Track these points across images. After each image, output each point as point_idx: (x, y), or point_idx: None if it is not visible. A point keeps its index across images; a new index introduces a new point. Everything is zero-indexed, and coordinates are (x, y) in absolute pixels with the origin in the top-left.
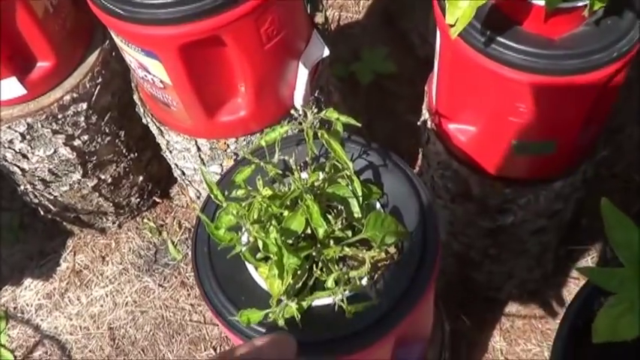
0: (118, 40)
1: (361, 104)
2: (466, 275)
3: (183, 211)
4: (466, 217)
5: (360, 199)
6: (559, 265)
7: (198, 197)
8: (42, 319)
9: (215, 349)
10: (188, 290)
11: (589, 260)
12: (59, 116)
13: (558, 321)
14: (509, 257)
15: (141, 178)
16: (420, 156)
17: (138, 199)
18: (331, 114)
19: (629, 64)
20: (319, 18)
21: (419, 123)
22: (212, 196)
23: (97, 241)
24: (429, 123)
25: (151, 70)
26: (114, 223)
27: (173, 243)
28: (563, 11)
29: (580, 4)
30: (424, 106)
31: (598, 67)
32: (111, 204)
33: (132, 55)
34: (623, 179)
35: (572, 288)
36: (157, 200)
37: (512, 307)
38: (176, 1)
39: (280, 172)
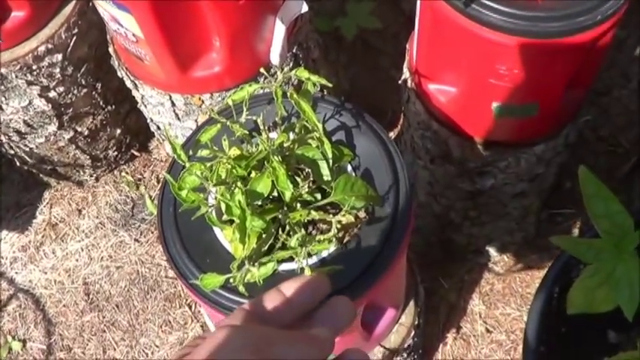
0: None
1: (345, 59)
2: (446, 237)
3: (162, 165)
4: (446, 178)
5: (330, 161)
6: (541, 228)
7: None
8: (16, 272)
9: (190, 307)
10: None
11: (572, 224)
12: (34, 67)
13: (539, 285)
14: (490, 220)
15: (119, 130)
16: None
17: (116, 152)
18: (302, 73)
19: (615, 27)
20: None
21: (400, 81)
22: (175, 156)
23: (73, 193)
24: (409, 82)
25: (123, 24)
26: (91, 176)
27: (151, 197)
28: None
29: None
30: (405, 65)
31: (581, 30)
32: (88, 157)
33: (104, 8)
34: (609, 142)
35: (554, 252)
36: (136, 154)
37: (492, 270)
38: None
39: (248, 132)
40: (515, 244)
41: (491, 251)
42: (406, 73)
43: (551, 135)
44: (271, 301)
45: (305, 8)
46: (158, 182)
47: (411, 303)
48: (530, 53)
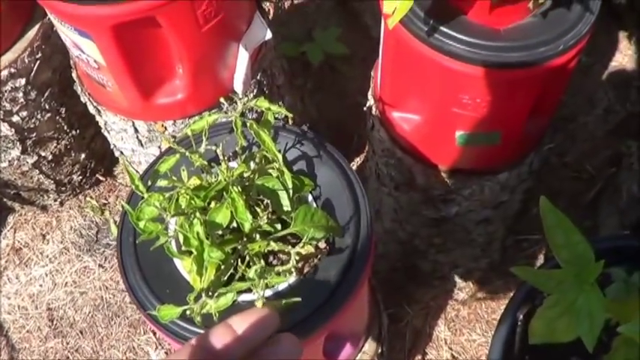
0: (52, 19)
1: (312, 85)
2: (411, 263)
3: (127, 190)
4: (410, 205)
5: (290, 191)
6: (507, 254)
7: None
8: None
9: (155, 333)
10: None
11: (537, 250)
12: None
13: None
14: (455, 246)
15: (83, 155)
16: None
17: (80, 177)
18: (261, 103)
19: (577, 57)
20: None
21: (365, 108)
22: (133, 186)
23: (37, 218)
24: (374, 109)
25: (85, 50)
26: (55, 200)
27: (115, 223)
28: (509, 2)
29: None
30: (370, 92)
31: (543, 60)
32: (52, 181)
33: (66, 34)
34: (574, 169)
35: (520, 278)
36: (101, 178)
37: (457, 296)
38: None
39: (207, 162)
40: (481, 270)
41: (457, 277)
42: (371, 100)
43: (515, 163)
44: (220, 336)
45: (269, 35)
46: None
47: (375, 331)
48: (492, 83)
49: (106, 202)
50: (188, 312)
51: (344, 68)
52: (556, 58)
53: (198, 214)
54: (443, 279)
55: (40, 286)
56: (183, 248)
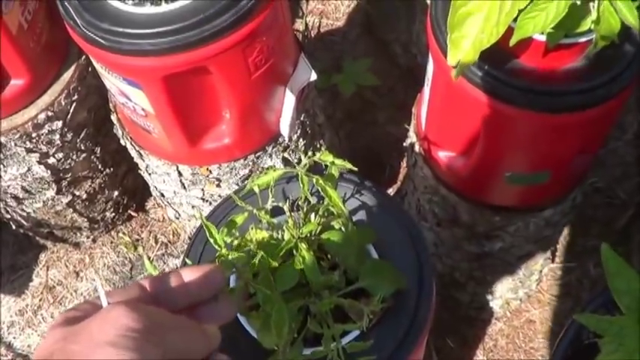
0: (98, 67)
1: (341, 115)
2: (449, 295)
3: (160, 225)
4: (452, 241)
5: (356, 245)
6: (541, 282)
7: (177, 218)
8: (14, 337)
9: None
10: None
11: (571, 278)
12: (33, 135)
13: (542, 340)
14: (495, 279)
15: (116, 192)
16: (404, 172)
17: (113, 214)
18: (326, 157)
19: (629, 96)
20: (299, 25)
21: (405, 144)
22: (216, 246)
23: (70, 255)
24: (416, 147)
25: (132, 98)
26: (88, 237)
27: (149, 258)
28: (564, 46)
29: (582, 40)
30: (411, 129)
31: (596, 103)
32: (85, 219)
33: (112, 82)
34: (606, 194)
35: (555, 306)
36: (133, 214)
37: (495, 326)
38: (161, 32)
39: (273, 219)
40: (518, 299)
41: (494, 307)
42: (412, 137)
43: (560, 199)
44: (171, 283)
45: (314, 76)
46: (156, 242)
47: None
48: (546, 126)
49: (138, 237)
50: None
51: (372, 97)
52: (610, 100)
53: (268, 272)
54: (480, 310)
55: None
56: (248, 304)
